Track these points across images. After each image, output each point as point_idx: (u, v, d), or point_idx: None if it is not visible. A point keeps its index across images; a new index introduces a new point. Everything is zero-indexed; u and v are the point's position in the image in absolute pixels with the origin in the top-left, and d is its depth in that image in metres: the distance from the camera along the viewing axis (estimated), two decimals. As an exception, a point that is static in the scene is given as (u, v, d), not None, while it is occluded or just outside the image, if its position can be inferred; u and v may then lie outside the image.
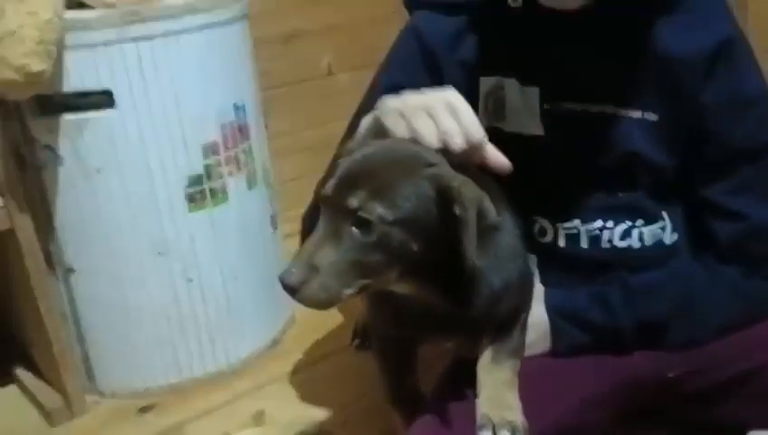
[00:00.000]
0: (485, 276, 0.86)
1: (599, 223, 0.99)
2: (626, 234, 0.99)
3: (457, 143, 0.81)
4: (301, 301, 0.77)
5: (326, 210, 0.80)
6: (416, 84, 0.94)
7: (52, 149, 1.26)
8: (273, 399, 1.35)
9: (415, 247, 0.79)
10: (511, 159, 0.87)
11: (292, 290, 0.76)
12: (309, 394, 1.34)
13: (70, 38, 1.19)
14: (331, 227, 0.78)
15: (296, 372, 1.42)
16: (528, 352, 0.97)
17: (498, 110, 1.01)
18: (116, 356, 1.38)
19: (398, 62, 1.08)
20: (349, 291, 0.78)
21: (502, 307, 0.90)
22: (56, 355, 1.34)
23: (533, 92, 0.99)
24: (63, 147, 1.26)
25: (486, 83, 1.02)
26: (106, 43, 1.21)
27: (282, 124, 1.80)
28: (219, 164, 1.35)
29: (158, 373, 1.39)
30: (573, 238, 1.01)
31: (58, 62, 1.18)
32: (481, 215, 0.78)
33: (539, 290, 1.00)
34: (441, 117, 0.81)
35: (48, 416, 1.36)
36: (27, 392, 1.44)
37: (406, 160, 0.79)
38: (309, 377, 1.40)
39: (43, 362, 1.43)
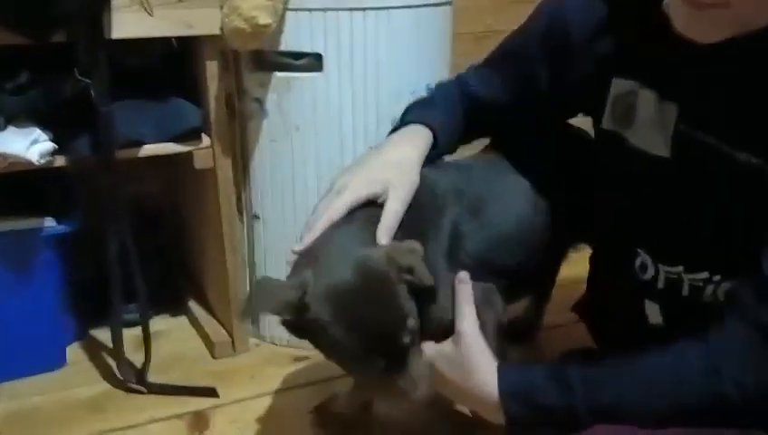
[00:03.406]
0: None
1: (704, 274, 0.89)
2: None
3: None
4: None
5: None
6: (531, 59, 1.00)
7: (260, 102, 1.36)
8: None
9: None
10: (628, 175, 0.84)
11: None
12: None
13: (292, 0, 1.28)
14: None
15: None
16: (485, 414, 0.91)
17: (626, 117, 0.93)
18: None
19: (528, 30, 1.04)
20: None
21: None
22: (230, 294, 1.44)
23: (671, 109, 0.87)
24: (270, 102, 1.35)
25: (619, 86, 0.93)
26: (324, 9, 1.29)
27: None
28: (406, 139, 1.40)
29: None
30: (674, 284, 0.91)
31: (280, 22, 1.27)
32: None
33: (490, 363, 0.90)
34: None
35: (212, 348, 1.47)
36: (196, 324, 1.56)
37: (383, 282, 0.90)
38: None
39: (215, 298, 1.54)
